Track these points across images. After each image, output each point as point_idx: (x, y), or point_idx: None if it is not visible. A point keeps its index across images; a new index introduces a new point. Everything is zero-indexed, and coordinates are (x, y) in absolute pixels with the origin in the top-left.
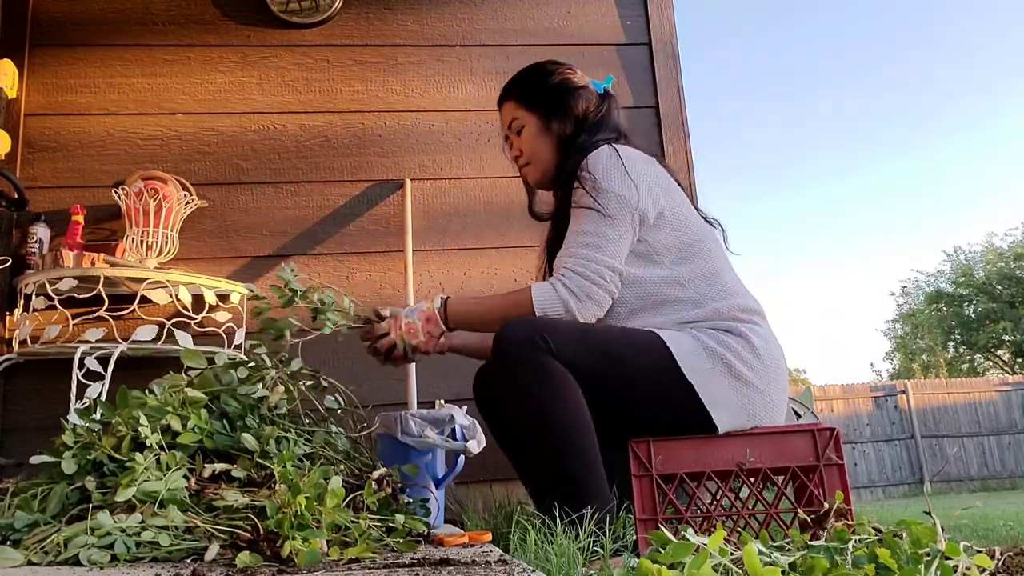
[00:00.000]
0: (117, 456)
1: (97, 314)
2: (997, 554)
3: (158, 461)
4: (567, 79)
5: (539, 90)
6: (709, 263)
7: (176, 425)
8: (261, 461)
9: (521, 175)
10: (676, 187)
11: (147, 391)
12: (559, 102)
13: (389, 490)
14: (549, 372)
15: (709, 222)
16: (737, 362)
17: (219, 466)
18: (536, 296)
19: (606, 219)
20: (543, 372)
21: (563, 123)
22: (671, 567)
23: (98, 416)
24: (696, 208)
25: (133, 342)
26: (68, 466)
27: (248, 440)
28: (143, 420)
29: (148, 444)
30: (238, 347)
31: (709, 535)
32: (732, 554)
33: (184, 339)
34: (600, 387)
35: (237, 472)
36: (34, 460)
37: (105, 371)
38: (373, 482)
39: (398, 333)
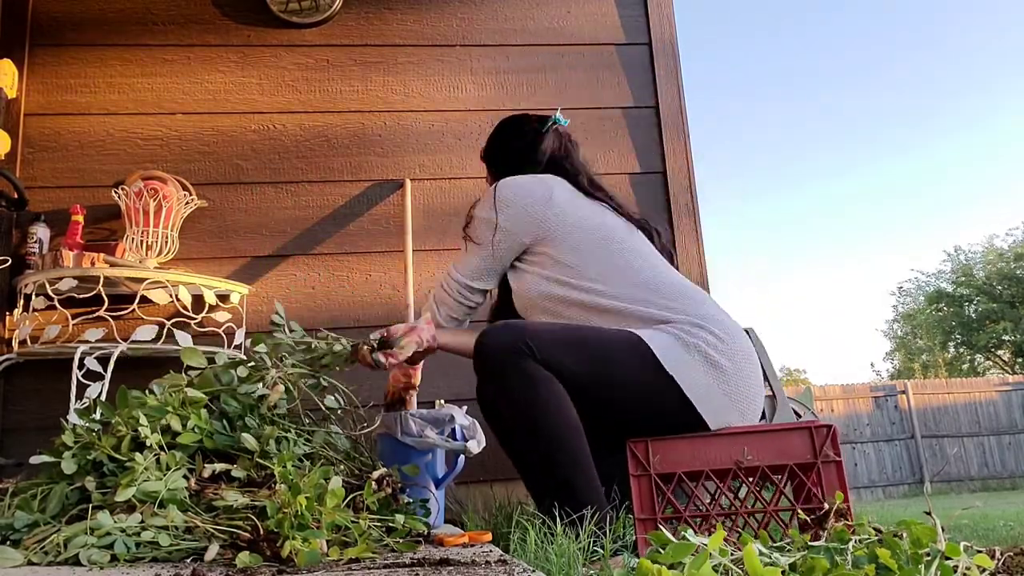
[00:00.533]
0: (117, 456)
1: (97, 314)
2: (997, 554)
3: (158, 461)
4: (508, 130)
5: (488, 146)
6: (643, 270)
7: (176, 425)
8: (261, 461)
9: None
10: (583, 206)
11: (147, 391)
12: (497, 152)
13: (389, 490)
14: (533, 377)
15: (644, 227)
16: (710, 350)
17: (219, 466)
18: (434, 310)
19: (474, 244)
20: (527, 378)
21: (496, 167)
22: (671, 567)
23: (98, 416)
24: (629, 216)
25: (133, 342)
26: (68, 466)
27: (248, 440)
28: (143, 420)
29: (148, 444)
30: (238, 347)
31: (708, 534)
32: (732, 554)
33: (184, 339)
34: (585, 389)
35: (237, 472)
36: (34, 460)
37: (105, 371)
38: (373, 482)
39: (406, 338)
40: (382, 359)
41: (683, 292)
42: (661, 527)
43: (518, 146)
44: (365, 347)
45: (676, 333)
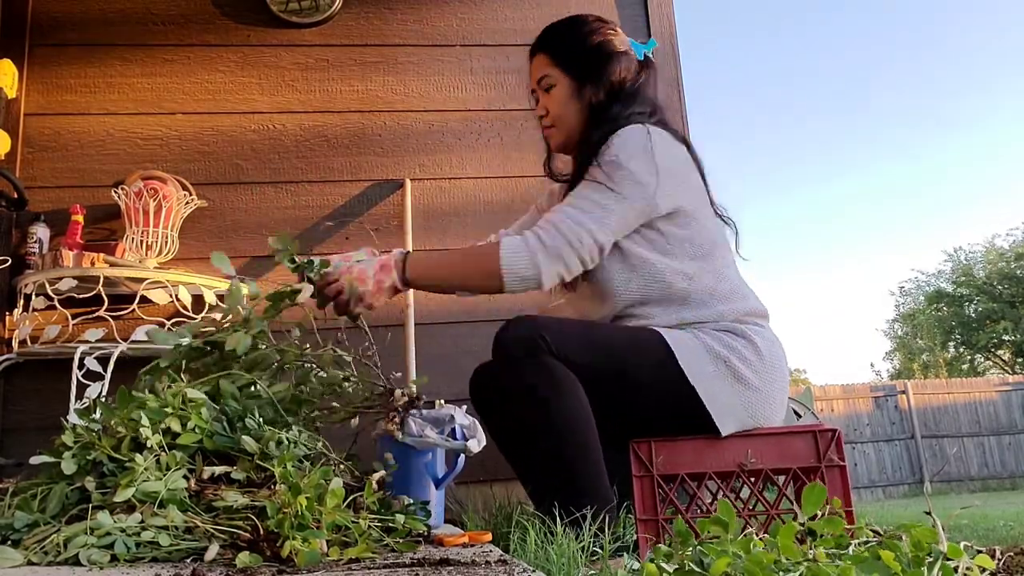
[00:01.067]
0: (117, 456)
1: (97, 314)
2: (998, 554)
3: (158, 462)
4: (608, 41)
5: (577, 50)
6: (719, 263)
7: (176, 427)
8: (261, 463)
9: (543, 134)
10: (698, 179)
11: (144, 389)
12: (596, 66)
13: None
14: (551, 371)
15: (724, 220)
16: (739, 364)
17: (218, 468)
18: (505, 247)
19: (612, 194)
20: (545, 371)
21: (597, 90)
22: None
23: (98, 416)
24: (712, 203)
25: (133, 342)
26: (68, 466)
27: (248, 443)
28: (144, 420)
29: (148, 445)
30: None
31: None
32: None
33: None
34: (601, 387)
35: (237, 474)
36: (34, 460)
37: (105, 371)
38: (374, 483)
39: (347, 277)
40: (360, 310)
41: (744, 298)
42: (663, 527)
43: (624, 70)
44: (346, 283)
45: (704, 339)
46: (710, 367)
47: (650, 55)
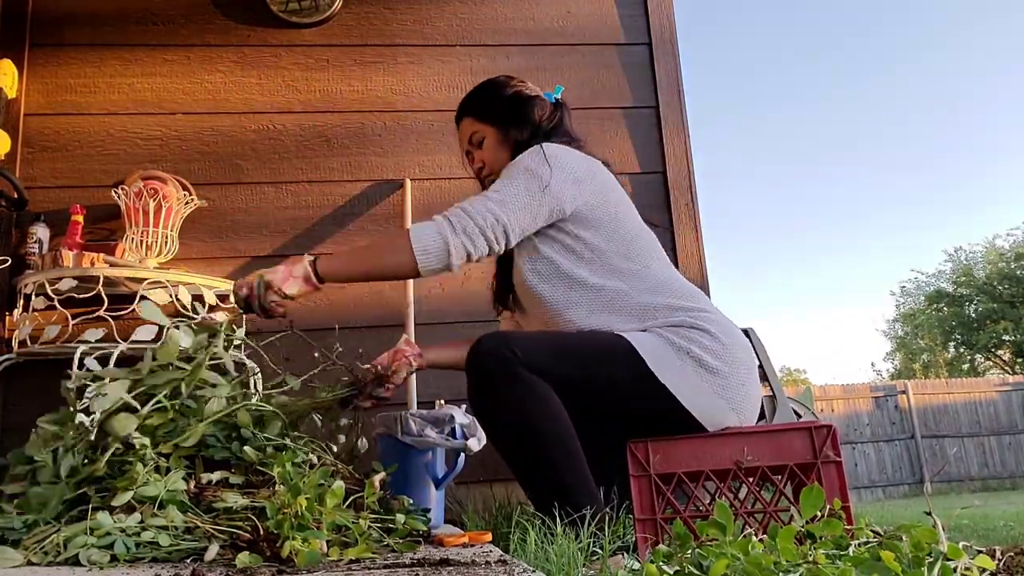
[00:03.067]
0: (116, 459)
1: (97, 314)
2: (998, 554)
3: (157, 469)
4: (519, 91)
5: (494, 103)
6: (655, 266)
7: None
8: (260, 468)
9: (484, 185)
10: (616, 192)
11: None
12: (514, 112)
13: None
14: (522, 382)
15: (652, 225)
16: (702, 352)
17: (216, 474)
18: (414, 229)
19: (510, 185)
20: (516, 382)
21: (520, 131)
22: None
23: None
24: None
25: (133, 342)
26: (66, 469)
27: (247, 453)
28: (135, 433)
29: (146, 455)
30: (238, 347)
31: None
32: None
33: (184, 339)
34: (575, 393)
35: (235, 479)
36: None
37: None
38: (376, 483)
39: (256, 274)
40: (384, 394)
41: (688, 293)
42: (661, 527)
43: (539, 110)
44: (365, 390)
45: (667, 336)
46: (677, 361)
47: (559, 98)
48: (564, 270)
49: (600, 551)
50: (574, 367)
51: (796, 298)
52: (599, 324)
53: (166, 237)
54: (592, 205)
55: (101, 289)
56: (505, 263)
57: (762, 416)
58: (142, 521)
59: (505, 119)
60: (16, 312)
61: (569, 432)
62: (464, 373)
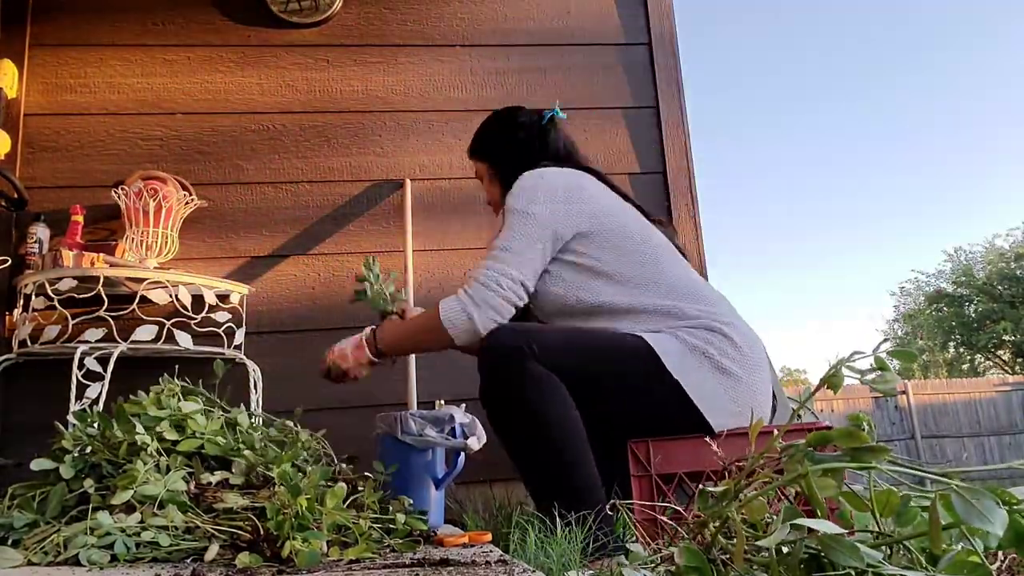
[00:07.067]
0: (116, 459)
1: (97, 314)
2: (1000, 555)
3: (157, 467)
4: (507, 123)
5: (484, 140)
6: (668, 266)
7: (173, 436)
8: (262, 470)
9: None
10: (610, 200)
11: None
12: (499, 145)
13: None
14: (535, 377)
15: (659, 224)
16: (720, 356)
17: (217, 475)
18: (442, 309)
19: (512, 236)
20: (531, 379)
21: (504, 162)
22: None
23: (95, 429)
24: (645, 213)
25: (133, 342)
26: (67, 471)
27: (247, 456)
28: (140, 429)
29: (147, 451)
30: (238, 347)
31: None
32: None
33: (184, 339)
34: (588, 390)
35: (235, 480)
36: (34, 466)
37: (105, 371)
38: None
39: (331, 358)
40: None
41: (705, 296)
42: (662, 527)
43: (524, 138)
44: (331, 363)
45: (684, 338)
46: (692, 362)
47: (555, 116)
48: (578, 287)
49: (600, 551)
50: (589, 363)
51: (796, 298)
52: (616, 327)
53: (166, 237)
54: (590, 222)
55: (101, 289)
56: None
57: None
58: (142, 521)
59: (493, 153)
60: (16, 312)
61: (579, 430)
62: (463, 372)
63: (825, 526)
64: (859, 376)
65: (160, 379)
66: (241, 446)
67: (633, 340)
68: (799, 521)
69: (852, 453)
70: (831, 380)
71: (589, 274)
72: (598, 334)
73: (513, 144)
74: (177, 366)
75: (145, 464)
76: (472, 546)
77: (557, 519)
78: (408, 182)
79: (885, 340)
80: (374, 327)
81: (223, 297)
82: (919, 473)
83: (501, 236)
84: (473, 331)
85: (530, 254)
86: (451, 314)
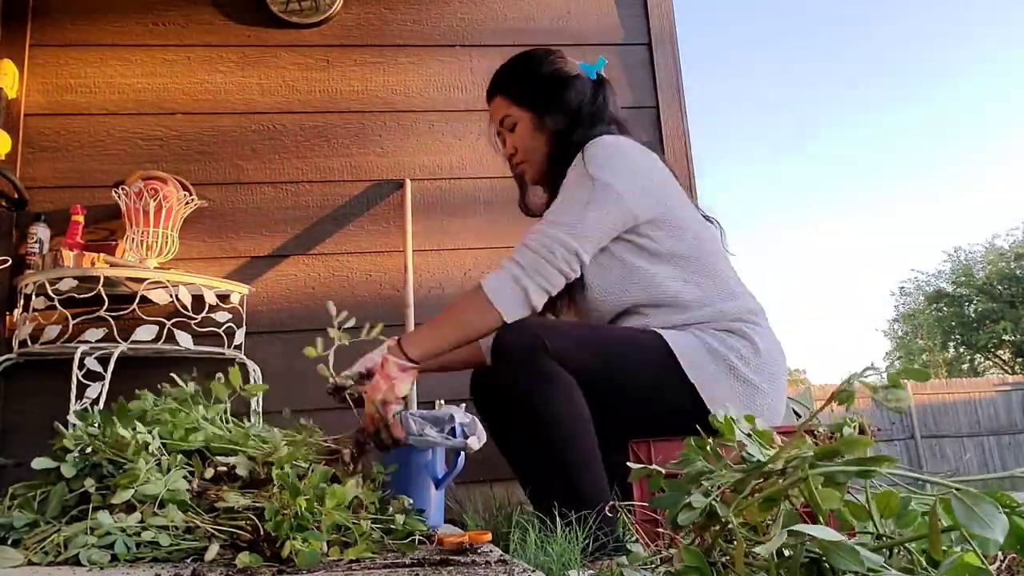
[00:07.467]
0: (117, 459)
1: (97, 314)
2: (1000, 555)
3: (159, 465)
4: (559, 70)
5: (531, 85)
6: (712, 263)
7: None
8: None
9: (514, 172)
10: (675, 185)
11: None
12: (552, 97)
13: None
14: (549, 374)
15: (708, 219)
16: (739, 362)
17: (220, 468)
18: (487, 282)
19: (581, 203)
20: (543, 374)
21: (557, 117)
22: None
23: (96, 428)
24: (696, 206)
25: (133, 342)
26: (68, 470)
27: (250, 450)
28: (140, 428)
29: (148, 449)
30: (238, 347)
31: None
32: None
33: (184, 339)
34: (601, 388)
35: (240, 470)
36: (36, 464)
37: (105, 371)
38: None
39: (366, 398)
40: (396, 435)
41: (740, 295)
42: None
43: (580, 91)
44: (370, 407)
45: (704, 338)
46: (711, 366)
47: (602, 73)
48: (619, 256)
49: (601, 551)
50: (604, 361)
51: (796, 297)
52: (638, 318)
53: (166, 237)
54: (660, 209)
55: (101, 289)
56: None
57: None
58: (142, 520)
59: (542, 104)
60: (16, 312)
61: (588, 430)
62: (461, 372)
63: (824, 532)
64: (872, 392)
65: (161, 386)
66: (245, 440)
67: (650, 336)
68: (797, 528)
69: (858, 463)
70: (842, 395)
71: (649, 259)
72: (614, 330)
73: (570, 97)
74: (174, 368)
75: (147, 463)
76: (472, 546)
77: (557, 519)
78: (408, 182)
79: (899, 357)
80: (398, 339)
81: (223, 297)
82: (920, 478)
83: (564, 203)
84: (525, 303)
85: (595, 230)
86: (499, 289)
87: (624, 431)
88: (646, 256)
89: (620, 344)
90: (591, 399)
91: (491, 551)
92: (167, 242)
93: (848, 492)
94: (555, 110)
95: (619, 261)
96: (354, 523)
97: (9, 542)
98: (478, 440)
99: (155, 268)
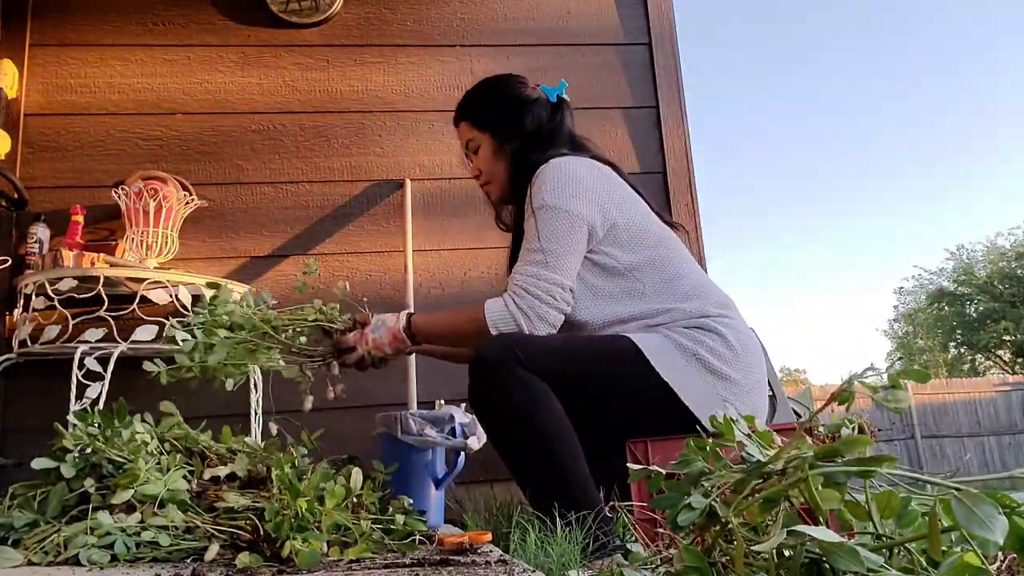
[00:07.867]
0: (117, 459)
1: (97, 314)
2: (1000, 555)
3: (159, 465)
4: (517, 95)
5: (490, 109)
6: (675, 267)
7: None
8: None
9: (483, 192)
10: (631, 195)
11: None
12: (509, 120)
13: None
14: (523, 383)
15: (672, 225)
16: (710, 356)
17: (220, 470)
18: (489, 312)
19: (551, 236)
20: (517, 383)
21: (515, 140)
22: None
23: (96, 428)
24: (657, 213)
25: (133, 342)
26: (68, 471)
27: (248, 446)
28: (140, 429)
29: (148, 450)
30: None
31: None
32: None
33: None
34: (578, 395)
35: (239, 471)
36: (35, 464)
37: (105, 371)
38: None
39: (364, 348)
40: (381, 362)
41: (708, 294)
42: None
43: (536, 115)
44: (364, 353)
45: (673, 337)
46: (681, 361)
47: (562, 95)
48: (591, 285)
49: (599, 551)
50: (576, 366)
51: (796, 298)
52: (613, 330)
53: (166, 237)
54: (616, 218)
55: (101, 289)
56: (515, 261)
57: None
58: (142, 521)
59: (500, 128)
60: (16, 312)
61: (568, 433)
62: (462, 373)
63: (824, 533)
64: (871, 393)
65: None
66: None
67: (619, 340)
68: (797, 528)
69: (858, 463)
70: (842, 396)
71: (604, 269)
72: (585, 338)
73: (527, 119)
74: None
75: (146, 463)
76: (472, 546)
77: (557, 519)
78: (408, 182)
79: (900, 358)
80: (409, 313)
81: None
82: (920, 478)
83: (539, 236)
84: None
85: (571, 256)
86: (499, 322)
87: (610, 434)
88: (601, 273)
89: (590, 349)
90: (572, 406)
91: (491, 551)
92: (167, 242)
93: (848, 492)
94: (513, 132)
95: (582, 282)
96: (354, 523)
97: (9, 542)
98: (478, 440)
99: (155, 268)
